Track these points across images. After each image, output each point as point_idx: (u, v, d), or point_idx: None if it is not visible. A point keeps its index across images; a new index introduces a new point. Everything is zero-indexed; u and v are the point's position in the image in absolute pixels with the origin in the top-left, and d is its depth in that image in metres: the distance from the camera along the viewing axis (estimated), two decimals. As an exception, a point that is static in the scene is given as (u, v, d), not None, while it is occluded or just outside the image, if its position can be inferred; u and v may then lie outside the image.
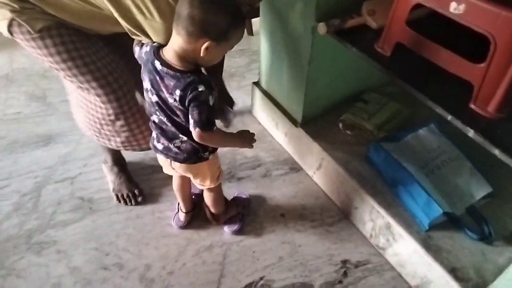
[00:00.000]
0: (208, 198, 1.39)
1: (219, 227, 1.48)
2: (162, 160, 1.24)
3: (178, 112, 1.03)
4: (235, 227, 1.47)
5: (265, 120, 1.84)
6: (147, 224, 1.51)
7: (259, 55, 1.72)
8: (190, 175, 1.27)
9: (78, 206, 1.56)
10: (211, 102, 0.99)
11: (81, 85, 1.20)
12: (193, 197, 1.49)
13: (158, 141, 1.17)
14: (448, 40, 0.96)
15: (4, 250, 1.42)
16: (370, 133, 1.51)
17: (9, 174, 1.68)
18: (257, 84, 1.82)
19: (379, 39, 1.12)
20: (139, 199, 1.56)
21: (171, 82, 0.98)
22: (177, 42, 0.96)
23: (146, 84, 1.04)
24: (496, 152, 0.87)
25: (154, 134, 1.18)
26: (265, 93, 1.76)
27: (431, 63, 0.99)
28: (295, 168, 1.70)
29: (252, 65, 2.23)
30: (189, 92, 0.96)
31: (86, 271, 1.36)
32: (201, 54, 0.95)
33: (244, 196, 1.55)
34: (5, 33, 1.11)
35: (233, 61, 2.28)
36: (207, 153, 1.16)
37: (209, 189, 1.34)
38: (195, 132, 1.01)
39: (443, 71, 0.97)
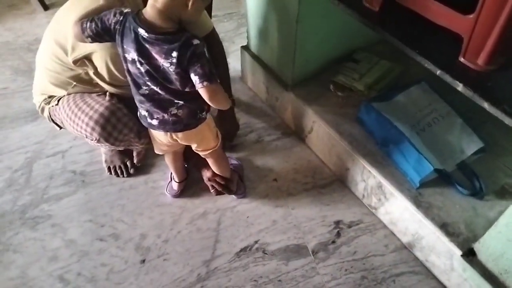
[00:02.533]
0: (215, 164, 1.37)
1: (208, 195, 1.48)
2: (160, 136, 1.20)
3: (173, 77, 1.00)
4: (241, 190, 1.47)
5: (256, 85, 1.81)
6: (141, 194, 1.51)
7: (246, 17, 1.67)
8: (194, 143, 1.25)
9: (71, 179, 1.56)
10: (207, 54, 0.99)
11: None
12: (185, 165, 1.48)
13: (152, 117, 1.12)
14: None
15: (-1, 226, 1.43)
16: (361, 93, 1.49)
17: (-1, 151, 1.67)
18: (246, 48, 1.78)
19: (367, -6, 1.08)
20: (131, 170, 1.55)
21: (164, 46, 0.95)
22: (160, 0, 0.93)
23: (132, 55, 0.99)
24: (486, 105, 0.85)
25: (144, 112, 1.13)
26: (255, 57, 1.72)
27: (421, 18, 0.96)
28: (287, 132, 1.68)
29: (241, 29, 2.17)
30: (186, 49, 0.95)
31: (82, 243, 1.38)
32: (189, 8, 0.94)
33: (234, 161, 1.55)
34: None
35: (221, 26, 2.22)
36: (204, 113, 1.15)
37: (214, 152, 1.30)
38: (204, 88, 0.98)
39: (434, 25, 0.94)
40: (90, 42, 1.06)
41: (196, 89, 1.00)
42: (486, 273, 1.06)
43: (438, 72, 0.93)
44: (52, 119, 1.40)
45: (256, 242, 1.36)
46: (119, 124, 1.26)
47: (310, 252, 1.33)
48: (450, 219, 1.17)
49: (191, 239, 1.38)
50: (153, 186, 1.53)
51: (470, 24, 0.87)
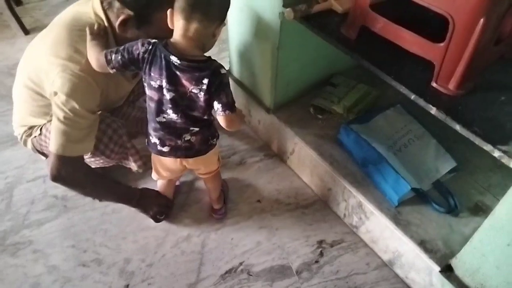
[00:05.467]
0: (211, 183, 1.41)
1: (192, 218, 1.51)
2: (168, 162, 1.22)
3: (199, 104, 1.05)
4: (221, 211, 1.49)
5: (238, 108, 1.85)
6: (124, 218, 1.50)
7: (228, 43, 1.72)
8: (201, 168, 1.29)
9: (52, 204, 1.54)
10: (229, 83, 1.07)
11: None
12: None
13: (163, 145, 1.15)
14: (410, 22, 0.99)
15: (-22, 253, 1.39)
16: (340, 116, 1.54)
17: (-23, 177, 1.64)
18: (228, 72, 1.82)
19: (344, 23, 1.14)
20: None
21: (195, 73, 1.00)
22: (191, 30, 0.98)
23: (159, 82, 1.03)
24: (457, 127, 0.91)
25: (154, 140, 1.15)
26: (237, 82, 1.77)
27: (395, 45, 1.02)
28: (269, 154, 1.72)
29: (222, 54, 2.22)
30: (216, 78, 1.01)
31: (64, 269, 1.36)
32: (216, 37, 1.04)
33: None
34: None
35: (203, 51, 2.27)
36: (215, 140, 1.20)
37: (215, 174, 1.36)
38: (225, 116, 1.05)
39: (407, 52, 1.00)
40: (114, 72, 1.09)
41: (216, 115, 1.07)
42: (463, 288, 1.10)
43: (413, 96, 0.99)
44: (37, 150, 1.40)
45: (240, 263, 1.37)
46: (109, 130, 1.28)
47: (294, 272, 1.34)
48: (428, 236, 1.21)
49: (175, 263, 1.37)
50: (136, 210, 1.52)
51: (440, 52, 0.94)
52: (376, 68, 1.05)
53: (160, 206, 1.44)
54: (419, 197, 1.30)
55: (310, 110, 1.58)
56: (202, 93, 1.02)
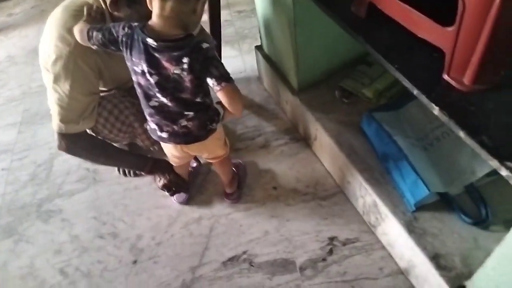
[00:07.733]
0: (222, 169, 1.38)
1: (206, 200, 1.49)
2: (170, 149, 1.20)
3: (185, 85, 1.00)
4: (235, 195, 1.45)
5: (270, 86, 1.75)
6: (144, 195, 1.54)
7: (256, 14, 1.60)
8: (205, 154, 1.26)
9: (84, 176, 1.63)
10: (217, 55, 1.00)
11: None
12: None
13: (162, 130, 1.12)
14: (422, 2, 0.81)
15: (18, 217, 1.54)
16: (369, 100, 1.37)
17: (28, 146, 1.80)
18: (259, 48, 1.72)
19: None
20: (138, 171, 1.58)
21: (174, 53, 0.95)
22: (167, 8, 0.92)
23: (141, 67, 0.99)
24: (461, 134, 0.74)
25: (153, 125, 1.13)
26: (266, 58, 1.66)
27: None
28: (295, 138, 1.61)
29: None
30: (197, 54, 0.95)
31: (84, 239, 1.45)
32: (198, 13, 0.97)
33: (237, 162, 1.53)
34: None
35: (247, 22, 2.17)
36: (214, 124, 1.14)
37: (223, 160, 1.32)
38: (223, 89, 0.98)
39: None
40: (96, 48, 1.07)
41: (215, 92, 1.00)
42: (476, 317, 0.93)
43: (415, 92, 0.82)
44: None
45: (244, 252, 1.33)
46: (115, 110, 1.30)
47: (297, 269, 1.26)
48: (444, 249, 1.04)
49: (182, 244, 1.38)
50: (156, 187, 1.54)
51: (451, 38, 0.75)
52: (379, 55, 0.88)
53: (168, 182, 1.42)
54: (445, 202, 1.11)
55: (335, 93, 1.42)
56: (185, 73, 0.96)
